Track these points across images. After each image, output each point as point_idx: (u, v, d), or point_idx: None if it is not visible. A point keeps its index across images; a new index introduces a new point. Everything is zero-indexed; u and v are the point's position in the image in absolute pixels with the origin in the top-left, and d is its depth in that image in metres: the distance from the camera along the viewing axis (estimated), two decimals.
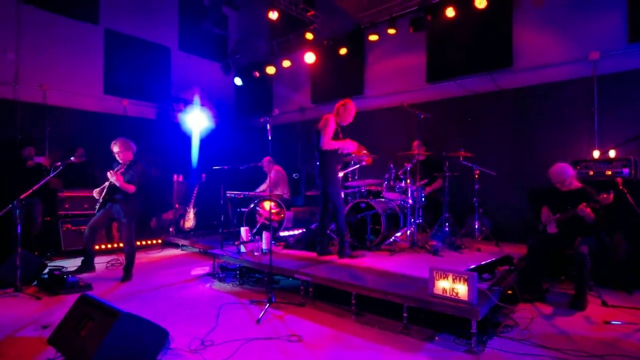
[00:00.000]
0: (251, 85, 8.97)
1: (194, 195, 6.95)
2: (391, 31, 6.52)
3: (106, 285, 4.30)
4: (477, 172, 5.19)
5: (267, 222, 5.46)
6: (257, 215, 5.98)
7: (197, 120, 7.96)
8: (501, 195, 5.69)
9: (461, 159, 5.14)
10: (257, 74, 8.41)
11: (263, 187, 6.57)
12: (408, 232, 4.86)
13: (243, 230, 4.82)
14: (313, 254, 4.45)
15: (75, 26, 6.98)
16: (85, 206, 6.03)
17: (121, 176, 4.33)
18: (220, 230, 5.14)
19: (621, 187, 3.42)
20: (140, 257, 5.66)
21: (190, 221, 6.93)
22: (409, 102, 5.30)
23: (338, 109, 4.32)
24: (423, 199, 5.12)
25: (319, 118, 4.34)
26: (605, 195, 3.39)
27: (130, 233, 4.49)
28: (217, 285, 4.38)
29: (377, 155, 5.00)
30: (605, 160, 4.43)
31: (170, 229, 6.92)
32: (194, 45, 8.73)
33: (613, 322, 3.13)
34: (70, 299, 3.23)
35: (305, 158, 8.23)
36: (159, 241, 6.80)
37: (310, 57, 7.38)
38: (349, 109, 4.31)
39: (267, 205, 5.73)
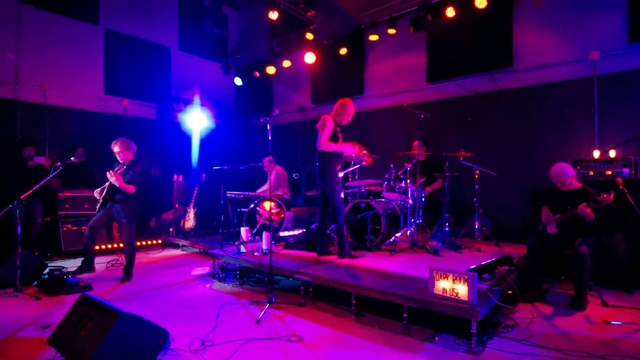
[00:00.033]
0: (251, 85, 8.97)
1: (194, 195, 6.95)
2: (391, 31, 6.52)
3: (106, 285, 4.30)
4: (477, 172, 5.18)
5: (267, 222, 5.46)
6: (257, 216, 5.98)
7: (197, 120, 7.97)
8: (501, 196, 5.69)
9: (461, 159, 5.14)
10: (257, 74, 8.42)
11: (265, 187, 6.56)
12: (408, 232, 4.86)
13: (243, 231, 4.82)
14: (313, 254, 4.45)
15: (75, 26, 6.98)
16: (86, 206, 6.04)
17: (120, 176, 4.33)
18: (220, 231, 5.14)
19: (621, 187, 3.42)
20: (141, 257, 5.66)
21: (190, 221, 6.93)
22: (409, 102, 5.30)
23: (336, 108, 4.31)
24: (423, 199, 5.12)
25: (319, 118, 4.34)
26: (605, 195, 3.39)
27: (130, 233, 4.49)
28: (217, 285, 4.39)
29: (377, 155, 5.00)
30: (605, 160, 4.43)
31: (171, 229, 6.92)
32: (194, 45, 8.73)
33: (613, 322, 3.13)
34: (70, 299, 3.23)
35: (306, 158, 8.23)
36: (159, 241, 6.80)
37: (310, 57, 7.38)
38: (347, 109, 4.30)
39: (267, 205, 5.73)
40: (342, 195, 4.80)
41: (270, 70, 8.22)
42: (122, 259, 4.94)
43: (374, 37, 6.84)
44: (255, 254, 4.44)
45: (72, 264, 4.96)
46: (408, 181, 4.92)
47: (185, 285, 4.40)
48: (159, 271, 5.05)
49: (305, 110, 8.47)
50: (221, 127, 8.65)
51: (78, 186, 6.11)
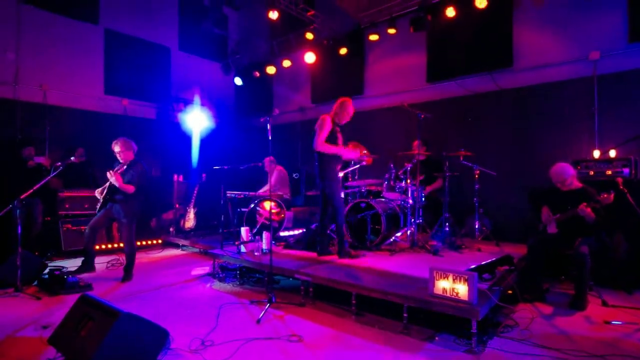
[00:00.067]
0: (251, 85, 8.97)
1: (194, 195, 6.95)
2: (391, 31, 6.52)
3: (106, 285, 4.31)
4: (477, 172, 5.19)
5: (267, 222, 5.46)
6: (257, 215, 5.98)
7: (197, 120, 7.96)
8: (501, 195, 5.69)
9: (461, 158, 5.14)
10: (257, 74, 8.42)
11: (267, 187, 6.55)
12: (408, 232, 4.86)
13: (243, 230, 4.82)
14: (313, 254, 4.45)
15: (76, 26, 6.98)
16: (86, 206, 6.04)
17: (120, 176, 4.33)
18: (220, 230, 5.15)
19: (621, 187, 3.42)
20: (141, 257, 5.67)
21: (190, 221, 6.93)
22: (409, 102, 5.30)
23: (336, 108, 4.31)
24: (423, 199, 5.12)
25: (319, 118, 4.33)
26: (605, 195, 3.39)
27: (130, 233, 4.49)
28: (218, 285, 4.39)
29: (377, 155, 5.00)
30: (605, 160, 4.43)
31: (171, 229, 6.92)
32: (194, 45, 8.73)
33: (613, 322, 3.13)
34: (71, 299, 3.24)
35: (306, 158, 8.23)
36: (159, 241, 6.80)
37: (310, 57, 7.38)
38: (346, 109, 4.29)
39: (267, 205, 5.74)
40: (342, 195, 4.80)
41: (270, 70, 8.22)
42: (122, 258, 4.94)
43: (374, 37, 6.84)
44: (256, 253, 4.44)
45: (72, 264, 4.96)
46: (408, 181, 4.92)
47: (186, 285, 4.40)
48: (159, 271, 5.05)
49: (305, 110, 8.47)
50: (221, 127, 8.65)
51: (78, 186, 6.12)
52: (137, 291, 4.12)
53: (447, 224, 4.99)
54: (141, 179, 4.45)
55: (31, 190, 4.06)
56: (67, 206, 5.93)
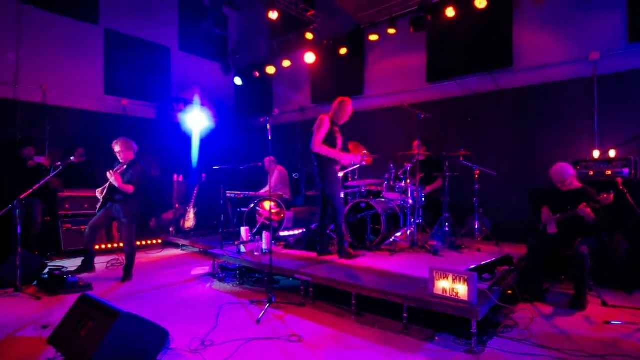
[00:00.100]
0: (251, 85, 8.97)
1: (194, 195, 6.95)
2: (391, 31, 6.52)
3: (106, 285, 4.30)
4: (477, 172, 5.19)
5: (267, 222, 5.46)
6: (257, 215, 5.98)
7: (197, 120, 7.97)
8: (501, 195, 5.69)
9: (461, 158, 5.14)
10: (257, 74, 8.41)
11: (268, 187, 6.53)
12: (408, 232, 4.86)
13: (243, 230, 4.82)
14: (313, 254, 4.44)
15: (76, 26, 6.97)
16: (86, 206, 6.04)
17: (120, 177, 4.33)
18: (220, 230, 5.15)
19: (621, 187, 3.42)
20: (141, 257, 5.66)
21: (190, 221, 6.93)
22: (409, 102, 5.29)
23: (334, 107, 4.30)
24: (423, 199, 5.12)
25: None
26: (605, 195, 3.39)
27: (130, 233, 4.49)
28: (217, 285, 4.38)
29: (377, 155, 4.99)
30: (605, 160, 4.43)
31: (171, 229, 6.92)
32: (194, 45, 8.73)
33: (613, 322, 3.13)
34: (70, 299, 3.24)
35: (306, 158, 8.22)
36: (159, 241, 6.80)
37: (310, 57, 7.38)
38: (345, 108, 4.28)
39: (267, 205, 5.73)
40: (342, 195, 4.80)
41: (270, 70, 8.22)
42: (122, 258, 4.94)
43: (374, 37, 6.84)
44: (255, 253, 4.44)
45: (72, 264, 4.96)
46: (408, 181, 4.92)
47: (185, 285, 4.40)
48: (159, 271, 5.05)
49: (305, 110, 8.47)
50: (221, 127, 8.65)
51: (78, 186, 6.11)
52: (137, 291, 4.12)
53: (447, 224, 4.99)
54: (141, 179, 4.45)
55: (31, 190, 4.06)
56: (66, 206, 5.93)
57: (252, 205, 5.96)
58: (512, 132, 5.78)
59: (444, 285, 2.84)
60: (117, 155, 4.52)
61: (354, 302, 3.35)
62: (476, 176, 5.20)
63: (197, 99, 8.16)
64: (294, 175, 7.31)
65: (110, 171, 4.34)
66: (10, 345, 2.80)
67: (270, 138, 3.71)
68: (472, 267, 3.32)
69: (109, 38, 7.38)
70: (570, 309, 3.47)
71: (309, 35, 7.38)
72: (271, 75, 8.45)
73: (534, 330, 2.99)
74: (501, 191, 5.67)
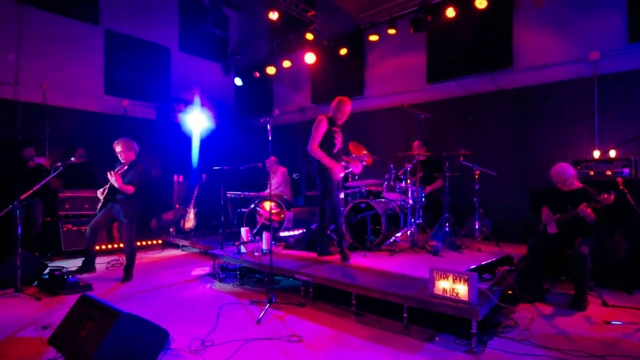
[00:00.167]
0: (251, 85, 8.97)
1: (194, 195, 6.95)
2: (391, 31, 6.53)
3: (106, 285, 4.31)
4: (478, 172, 5.19)
5: (267, 223, 5.46)
6: (258, 216, 5.98)
7: (197, 121, 7.97)
8: (501, 196, 5.68)
9: (461, 159, 5.14)
10: (257, 75, 8.42)
11: (273, 187, 6.53)
12: (408, 232, 4.86)
13: (243, 231, 4.82)
14: (313, 255, 4.44)
15: (76, 26, 6.98)
16: (86, 206, 6.04)
17: (120, 177, 4.33)
18: (220, 231, 5.15)
19: (621, 187, 3.42)
20: (141, 258, 5.67)
21: (190, 221, 6.94)
22: (409, 103, 5.30)
23: (333, 107, 4.30)
24: (423, 199, 5.12)
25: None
26: (605, 196, 3.39)
27: (130, 233, 4.49)
28: (218, 285, 4.39)
29: (377, 155, 5.00)
30: (605, 160, 4.43)
31: (171, 230, 6.92)
32: (194, 45, 8.74)
33: (613, 322, 3.13)
34: (71, 299, 3.24)
35: (306, 158, 8.22)
36: (160, 241, 6.80)
37: (310, 58, 7.38)
38: (343, 108, 4.27)
39: (267, 205, 5.73)
40: (342, 196, 4.80)
41: (271, 70, 8.22)
42: (122, 259, 4.94)
43: (374, 38, 6.85)
44: (256, 254, 4.44)
45: (72, 264, 4.96)
46: (408, 181, 4.92)
47: (186, 285, 4.40)
48: (159, 271, 5.05)
49: (305, 111, 8.48)
50: (221, 128, 8.66)
51: (78, 186, 6.12)
52: (137, 291, 4.12)
53: (447, 224, 4.99)
54: (141, 180, 4.45)
55: (31, 191, 4.06)
56: (67, 206, 5.93)
57: (252, 206, 5.96)
58: (512, 132, 5.78)
59: (444, 285, 2.84)
60: (118, 155, 4.52)
61: (354, 302, 3.35)
62: (476, 176, 5.20)
63: (197, 99, 8.17)
64: (294, 175, 7.31)
65: (111, 172, 4.34)
66: (11, 345, 2.80)
67: (270, 138, 3.72)
68: (473, 267, 3.32)
69: (109, 38, 7.39)
70: (571, 309, 3.46)
71: (309, 36, 7.39)
72: (271, 75, 8.45)
73: (534, 331, 2.99)
74: (501, 191, 5.67)
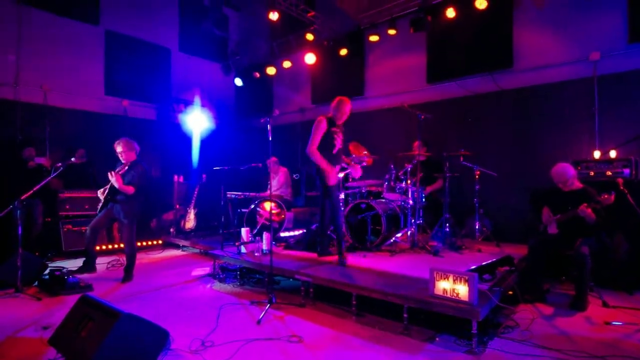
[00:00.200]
0: (251, 86, 8.97)
1: (195, 195, 6.95)
2: (391, 32, 6.53)
3: (107, 285, 4.31)
4: (478, 172, 5.19)
5: (267, 223, 5.46)
6: (258, 216, 5.98)
7: (197, 121, 7.97)
8: (502, 196, 5.68)
9: (462, 159, 5.14)
10: (258, 75, 8.42)
11: (274, 188, 6.53)
12: (408, 232, 4.86)
13: (243, 231, 4.82)
14: (313, 255, 4.44)
15: (76, 27, 6.99)
16: (86, 207, 6.04)
17: (121, 177, 4.33)
18: (220, 231, 5.14)
19: (622, 188, 3.42)
20: (141, 258, 5.67)
21: (190, 222, 6.94)
22: (409, 103, 5.30)
23: (332, 107, 4.28)
24: (423, 200, 5.12)
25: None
26: (606, 196, 3.39)
27: (130, 234, 4.49)
28: (218, 286, 4.39)
29: (377, 155, 5.00)
30: (606, 161, 4.43)
31: (171, 230, 6.92)
32: (194, 46, 8.74)
33: (614, 323, 3.13)
34: (71, 299, 3.24)
35: (306, 159, 8.19)
36: (160, 242, 6.80)
37: (310, 58, 7.38)
38: (342, 108, 4.25)
39: (267, 206, 5.73)
40: (342, 196, 4.80)
41: (271, 70, 8.22)
42: (122, 259, 4.95)
43: (374, 38, 6.85)
44: (256, 254, 4.44)
45: (72, 265, 4.96)
46: (408, 182, 4.92)
47: (186, 285, 4.40)
48: (160, 272, 5.05)
49: (305, 111, 8.48)
50: (221, 128, 8.66)
51: (78, 187, 6.12)
52: (138, 292, 4.12)
53: (447, 224, 4.98)
54: (142, 180, 4.46)
55: (32, 191, 4.06)
56: (67, 207, 5.94)
57: (252, 206, 5.96)
58: (512, 132, 5.78)
59: (444, 285, 2.84)
60: (119, 155, 4.52)
61: (354, 302, 3.35)
62: (476, 177, 5.20)
63: (197, 99, 8.18)
64: (294, 176, 7.31)
65: (112, 172, 4.35)
66: (11, 346, 2.80)
67: (270, 139, 3.72)
68: (473, 267, 3.32)
69: (109, 39, 7.39)
70: (571, 310, 3.46)
71: (309, 36, 7.39)
72: (271, 76, 8.45)
73: (534, 331, 2.99)
74: (501, 192, 5.67)
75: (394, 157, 5.40)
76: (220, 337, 2.90)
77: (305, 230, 5.21)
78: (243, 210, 6.15)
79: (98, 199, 4.58)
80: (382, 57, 7.32)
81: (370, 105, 7.33)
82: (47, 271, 4.30)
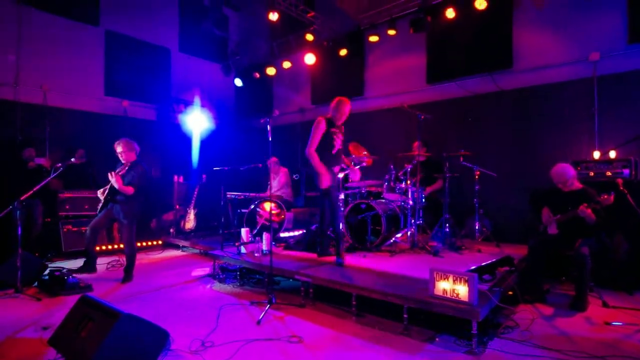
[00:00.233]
0: (251, 86, 8.98)
1: (195, 196, 6.95)
2: (391, 32, 6.53)
3: (107, 286, 4.30)
4: (478, 172, 5.19)
5: (267, 223, 5.46)
6: (258, 217, 5.98)
7: (197, 121, 7.98)
8: (501, 196, 5.68)
9: (461, 159, 5.14)
10: (258, 75, 8.43)
11: (275, 188, 6.53)
12: (408, 233, 4.86)
13: (243, 231, 4.82)
14: (313, 255, 4.44)
15: (76, 27, 6.99)
16: (86, 207, 6.04)
17: (120, 178, 4.33)
18: (220, 231, 5.14)
19: (622, 188, 3.42)
20: (141, 258, 5.67)
21: (190, 222, 6.93)
22: (409, 103, 5.30)
23: (332, 108, 4.29)
24: (423, 200, 5.11)
25: None
26: (606, 196, 3.39)
27: (130, 234, 4.49)
28: (218, 286, 4.38)
29: (377, 156, 4.99)
30: (605, 161, 4.43)
31: (171, 230, 6.92)
32: (194, 46, 8.75)
33: (614, 323, 3.13)
34: (71, 300, 3.24)
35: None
36: (160, 242, 6.80)
37: (310, 58, 7.39)
38: (341, 109, 4.25)
39: (267, 206, 5.73)
40: (342, 196, 4.79)
41: (271, 71, 8.23)
42: (122, 259, 4.94)
43: (374, 38, 6.85)
44: (256, 254, 4.44)
45: (72, 265, 4.96)
46: (408, 182, 4.92)
47: (186, 286, 4.40)
48: (160, 272, 5.05)
49: (305, 111, 8.48)
50: (221, 128, 8.66)
51: (78, 187, 6.12)
52: (138, 292, 4.12)
53: (447, 225, 4.98)
54: (141, 181, 4.45)
55: (31, 192, 4.06)
56: (67, 207, 5.93)
57: (252, 207, 5.96)
58: (512, 133, 5.78)
59: (444, 286, 2.84)
60: (119, 156, 4.52)
61: (354, 303, 3.35)
62: (476, 177, 5.20)
63: (197, 100, 8.18)
64: (294, 176, 7.31)
65: (112, 172, 4.35)
66: (11, 346, 2.80)
67: (270, 139, 3.72)
68: (473, 268, 3.32)
69: (109, 39, 7.39)
70: (571, 310, 3.46)
71: (309, 37, 7.39)
72: (271, 76, 8.45)
73: (534, 331, 2.99)
74: (501, 192, 5.67)
75: (393, 158, 5.40)
76: (220, 338, 2.89)
77: (305, 231, 5.21)
78: (243, 210, 6.15)
79: (98, 199, 4.58)
80: (381, 57, 7.32)
81: (370, 106, 7.33)
82: (46, 271, 4.30)
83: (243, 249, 4.60)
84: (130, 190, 4.36)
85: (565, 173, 3.81)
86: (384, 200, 5.02)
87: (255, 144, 8.21)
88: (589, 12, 5.19)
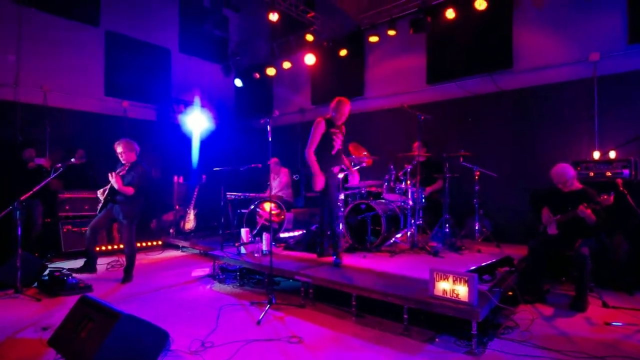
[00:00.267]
0: (251, 86, 8.98)
1: (194, 196, 6.95)
2: (391, 32, 6.54)
3: (106, 286, 4.30)
4: (478, 173, 5.19)
5: (267, 224, 5.46)
6: (258, 217, 5.98)
7: (197, 122, 7.98)
8: (501, 197, 5.68)
9: (461, 160, 5.14)
10: (258, 76, 8.43)
11: (276, 188, 6.53)
12: (408, 233, 4.86)
13: (243, 232, 4.82)
14: (313, 256, 4.44)
15: (76, 28, 6.99)
16: (86, 207, 6.04)
17: (120, 178, 4.33)
18: (220, 232, 5.14)
19: (621, 188, 3.42)
20: (141, 259, 5.66)
21: (190, 222, 6.93)
22: (409, 103, 5.30)
23: (331, 108, 4.28)
24: (423, 200, 5.12)
25: None
26: (605, 197, 3.39)
27: (130, 234, 4.49)
28: (218, 286, 4.38)
29: (377, 156, 5.00)
30: (605, 161, 4.43)
31: (171, 230, 6.92)
32: (194, 46, 8.75)
33: (614, 324, 3.13)
34: (71, 300, 3.24)
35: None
36: (159, 242, 6.80)
37: (310, 59, 7.39)
38: (341, 108, 4.24)
39: (267, 206, 5.73)
40: (342, 197, 4.80)
41: (271, 71, 8.23)
42: (122, 260, 4.94)
43: (374, 39, 6.86)
44: (256, 255, 4.44)
45: (72, 265, 4.95)
46: (408, 182, 4.92)
47: (186, 286, 4.40)
48: (159, 272, 5.05)
49: (305, 112, 8.48)
50: (221, 129, 8.65)
51: (78, 187, 6.12)
52: (137, 292, 4.12)
53: (447, 225, 4.98)
54: (141, 181, 4.45)
55: (31, 192, 4.06)
56: (67, 207, 5.93)
57: (252, 207, 5.96)
58: (512, 133, 5.78)
59: (444, 286, 2.84)
60: (119, 156, 4.52)
61: (354, 303, 3.35)
62: (476, 177, 5.20)
63: (197, 100, 8.17)
64: (294, 176, 7.31)
65: (112, 173, 4.35)
66: (11, 347, 2.80)
67: (270, 139, 3.72)
68: (473, 268, 3.32)
69: (109, 40, 7.40)
70: (571, 310, 3.46)
71: (309, 37, 7.40)
72: (271, 76, 8.46)
73: (534, 332, 2.99)
74: (501, 192, 5.67)
75: (393, 158, 5.40)
76: (220, 338, 2.89)
77: (305, 231, 5.21)
78: (243, 210, 6.15)
79: (98, 200, 4.58)
80: (382, 57, 7.32)
81: (370, 106, 7.33)
82: (46, 272, 4.30)
83: (243, 250, 4.60)
84: (130, 190, 4.36)
85: (565, 173, 3.81)
86: (383, 201, 5.02)
87: (255, 144, 8.21)
88: (589, 12, 5.19)
